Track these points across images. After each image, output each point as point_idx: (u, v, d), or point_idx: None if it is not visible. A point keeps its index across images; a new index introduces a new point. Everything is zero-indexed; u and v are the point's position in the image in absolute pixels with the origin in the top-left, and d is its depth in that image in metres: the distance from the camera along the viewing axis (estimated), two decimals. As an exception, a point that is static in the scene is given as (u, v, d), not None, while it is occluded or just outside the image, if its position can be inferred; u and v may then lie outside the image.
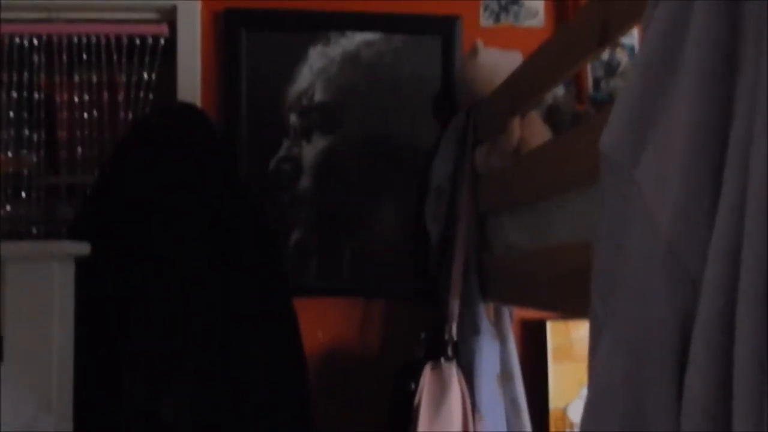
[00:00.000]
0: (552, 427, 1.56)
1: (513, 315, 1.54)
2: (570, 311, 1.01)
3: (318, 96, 1.63)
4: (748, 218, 0.42)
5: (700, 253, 0.45)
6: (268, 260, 1.38)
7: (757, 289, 0.41)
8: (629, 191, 0.51)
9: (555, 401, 1.56)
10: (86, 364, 1.07)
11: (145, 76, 1.63)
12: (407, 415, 1.35)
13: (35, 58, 1.61)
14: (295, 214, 1.59)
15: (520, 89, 1.24)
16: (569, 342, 1.58)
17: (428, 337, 1.41)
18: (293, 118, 1.61)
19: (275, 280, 1.38)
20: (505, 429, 1.40)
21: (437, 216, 1.48)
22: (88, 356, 1.07)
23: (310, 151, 1.61)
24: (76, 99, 1.65)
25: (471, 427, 1.31)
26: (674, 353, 0.46)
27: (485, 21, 1.68)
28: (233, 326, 1.24)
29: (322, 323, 1.58)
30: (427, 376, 1.35)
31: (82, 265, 1.03)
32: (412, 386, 1.35)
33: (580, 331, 1.58)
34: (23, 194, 1.62)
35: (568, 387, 1.56)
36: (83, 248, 0.99)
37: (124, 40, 1.62)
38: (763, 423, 0.39)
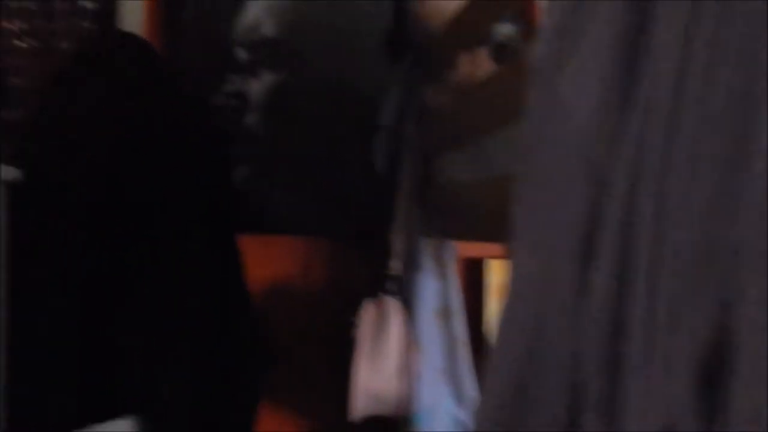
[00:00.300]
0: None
1: (456, 254, 1.57)
2: (508, 239, 1.03)
3: (266, 31, 1.60)
4: (651, 125, 0.44)
5: (612, 152, 0.47)
6: (216, 197, 1.38)
7: (655, 195, 0.43)
8: (552, 101, 0.53)
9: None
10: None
11: (86, 4, 1.58)
12: (349, 348, 1.39)
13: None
14: (241, 149, 1.58)
15: (467, 26, 1.25)
16: (509, 280, 1.62)
17: (371, 273, 1.44)
18: (240, 52, 1.58)
19: (222, 217, 1.38)
20: (443, 362, 1.45)
21: (384, 153, 1.49)
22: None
23: (258, 87, 1.59)
24: (11, 27, 1.59)
25: (409, 359, 1.35)
26: (582, 256, 0.48)
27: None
28: (183, 255, 1.24)
29: (267, 261, 1.58)
30: (368, 310, 1.38)
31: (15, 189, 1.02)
32: (353, 320, 1.39)
33: (520, 270, 1.63)
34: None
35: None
36: (14, 174, 0.97)
37: (63, -34, 1.56)
38: (652, 313, 0.41)
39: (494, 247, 1.69)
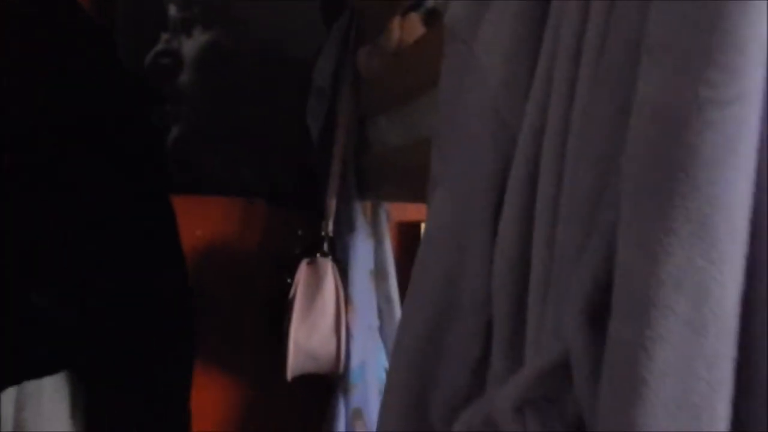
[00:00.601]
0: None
1: (390, 217, 1.60)
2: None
3: (199, -11, 1.57)
4: (555, 80, 0.47)
5: (519, 112, 0.50)
6: (148, 154, 1.36)
7: (555, 145, 0.46)
8: (467, 59, 0.55)
9: (426, 298, 1.66)
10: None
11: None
12: (284, 308, 1.41)
13: None
14: (174, 109, 1.56)
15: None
16: (441, 242, 1.66)
17: (305, 234, 1.46)
18: (172, 9, 1.55)
19: (155, 177, 1.37)
20: (376, 321, 1.48)
21: (317, 116, 1.50)
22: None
23: (191, 45, 1.57)
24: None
25: (343, 317, 1.38)
26: (494, 199, 0.51)
27: None
28: (111, 212, 1.23)
29: (201, 222, 1.58)
30: (302, 270, 1.40)
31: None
32: (288, 280, 1.40)
33: (452, 232, 1.67)
34: None
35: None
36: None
37: None
38: (551, 255, 0.44)
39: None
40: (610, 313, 0.37)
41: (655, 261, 0.34)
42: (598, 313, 0.39)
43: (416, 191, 1.21)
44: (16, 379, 1.18)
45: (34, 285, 1.18)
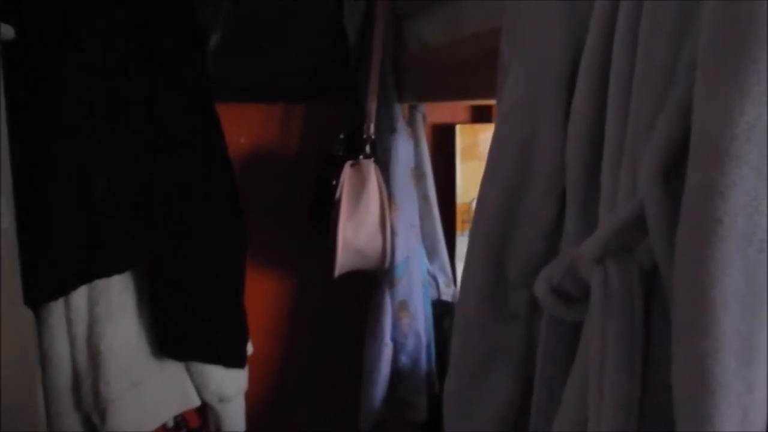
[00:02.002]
0: (458, 219, 1.72)
1: (426, 118, 1.64)
2: (480, 95, 1.11)
3: None
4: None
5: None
6: (193, 63, 1.39)
7: (628, 23, 0.50)
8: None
9: (462, 196, 1.72)
10: (17, 148, 1.10)
11: None
12: (328, 208, 1.47)
13: None
14: (214, 16, 1.58)
15: None
16: (476, 142, 1.71)
17: (347, 137, 1.51)
18: None
19: (200, 83, 1.40)
20: (417, 218, 1.55)
21: (355, 18, 1.51)
22: (18, 141, 1.10)
23: (225, -46, 1.57)
24: None
25: (387, 215, 1.44)
26: (566, 78, 0.55)
27: None
28: (164, 116, 1.28)
29: (245, 128, 1.63)
30: (346, 172, 1.45)
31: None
32: (333, 182, 1.46)
33: (486, 132, 1.71)
34: None
35: (474, 183, 1.68)
36: (8, 32, 0.99)
37: None
38: (623, 121, 0.49)
39: (463, 113, 1.77)
40: (687, 165, 0.42)
41: (730, 117, 0.39)
42: (670, 171, 0.45)
43: (457, 89, 1.25)
44: (89, 277, 1.26)
45: (98, 180, 1.24)
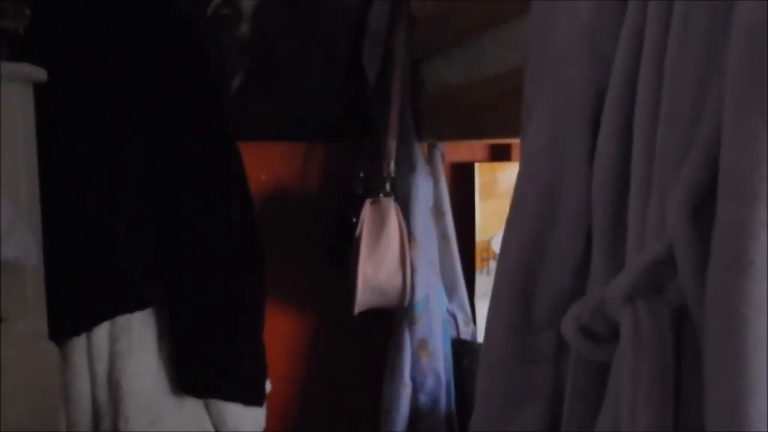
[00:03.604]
0: (477, 257, 1.72)
1: (444, 157, 1.66)
2: (498, 134, 1.12)
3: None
4: (650, 8, 0.51)
5: (612, 38, 0.55)
6: (213, 105, 1.42)
7: (652, 66, 0.51)
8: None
9: (481, 235, 1.72)
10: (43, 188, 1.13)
11: None
12: (348, 246, 1.48)
13: None
14: (235, 59, 1.61)
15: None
16: (495, 181, 1.72)
17: (367, 175, 1.52)
18: (231, -38, 1.60)
19: (222, 123, 1.43)
20: (436, 256, 1.55)
21: (374, 59, 1.54)
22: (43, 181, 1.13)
23: (249, -4, 1.61)
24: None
25: (407, 253, 1.45)
26: (590, 119, 0.56)
27: None
28: (184, 158, 1.30)
29: (265, 166, 1.65)
30: (367, 210, 1.46)
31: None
32: (354, 219, 1.47)
33: (504, 171, 1.72)
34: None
35: (493, 221, 1.71)
36: (41, 74, 1.02)
37: None
38: (650, 166, 0.50)
39: (481, 152, 1.78)
40: (715, 205, 0.42)
41: (759, 158, 0.39)
42: (699, 211, 0.45)
43: (476, 127, 1.26)
44: (110, 313, 1.27)
45: (118, 220, 1.26)
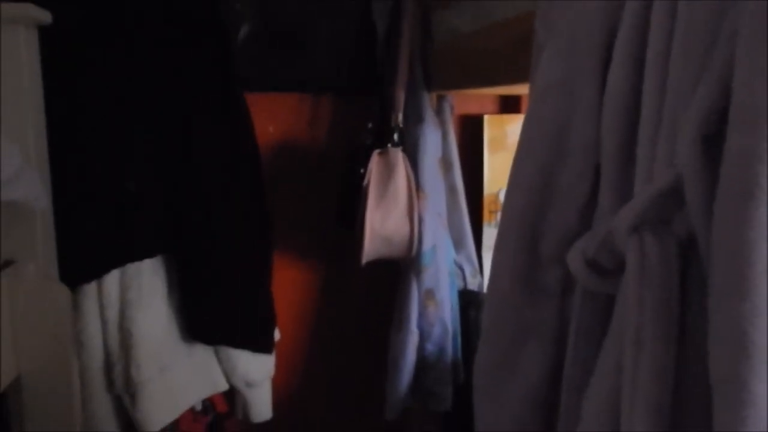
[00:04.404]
0: (485, 209, 1.72)
1: (453, 109, 1.64)
2: (508, 81, 1.11)
3: None
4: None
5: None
6: (220, 55, 1.41)
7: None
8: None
9: (489, 187, 1.72)
10: (55, 137, 1.13)
11: None
12: (356, 196, 1.48)
13: None
14: (243, 8, 1.59)
15: None
16: (504, 134, 1.71)
17: (375, 126, 1.51)
18: None
19: (229, 73, 1.42)
20: (444, 208, 1.55)
21: (384, 10, 1.52)
22: (55, 129, 1.13)
23: (255, -55, 1.58)
24: None
25: (415, 204, 1.44)
26: (602, 53, 0.55)
27: None
28: (193, 112, 1.30)
29: (273, 118, 1.64)
30: (375, 160, 1.46)
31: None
32: (361, 170, 1.47)
33: (514, 124, 1.71)
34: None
35: (502, 174, 1.70)
36: (45, 16, 1.01)
37: None
38: (662, 92, 0.49)
39: (491, 105, 1.76)
40: (727, 132, 0.42)
41: (772, 81, 0.39)
42: (710, 139, 0.45)
43: (485, 76, 1.25)
44: (120, 261, 1.28)
45: (128, 174, 1.27)
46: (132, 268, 1.29)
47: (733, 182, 0.41)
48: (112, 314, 1.28)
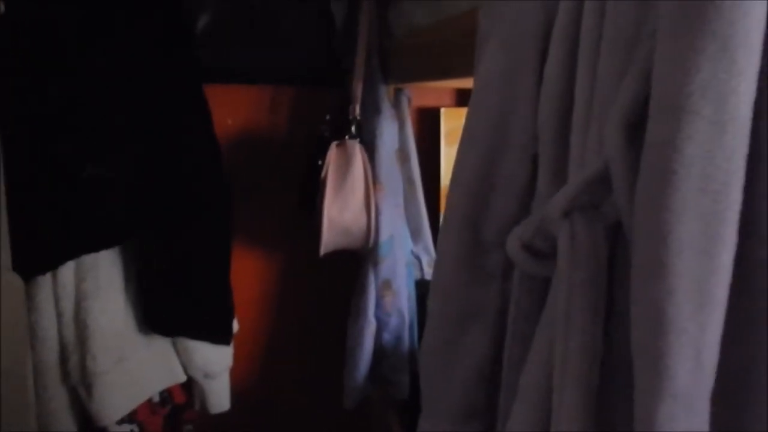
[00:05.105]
0: (442, 201, 1.75)
1: (411, 101, 1.67)
2: (463, 74, 1.13)
3: None
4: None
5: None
6: (179, 45, 1.40)
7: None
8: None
9: (446, 179, 1.75)
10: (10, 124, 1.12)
11: None
12: (315, 188, 1.49)
13: None
14: (199, 2, 1.59)
15: None
16: (460, 126, 1.73)
17: (333, 118, 1.53)
18: None
19: (186, 65, 1.41)
20: (401, 199, 1.58)
21: (341, 3, 1.53)
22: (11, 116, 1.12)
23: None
24: None
25: (372, 194, 1.46)
26: (540, 47, 0.58)
27: None
28: (151, 102, 1.30)
29: (232, 110, 1.64)
30: (333, 152, 1.47)
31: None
32: (319, 162, 1.48)
33: (470, 116, 1.74)
34: None
35: (458, 166, 1.73)
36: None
37: None
38: (592, 82, 0.52)
39: (448, 98, 1.79)
40: (647, 122, 0.44)
41: (686, 74, 0.42)
42: (634, 128, 0.47)
43: (440, 69, 1.27)
44: (76, 252, 1.28)
45: (84, 163, 1.26)
46: (88, 259, 1.29)
47: (650, 168, 0.43)
48: (68, 306, 1.28)
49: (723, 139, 0.42)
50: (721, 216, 0.42)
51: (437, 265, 0.66)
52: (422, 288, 1.61)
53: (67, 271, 1.27)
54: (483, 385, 0.62)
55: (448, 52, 1.19)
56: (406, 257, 1.57)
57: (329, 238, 1.46)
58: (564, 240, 0.49)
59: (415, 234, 1.65)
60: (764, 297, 0.44)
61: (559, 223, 0.50)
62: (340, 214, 1.45)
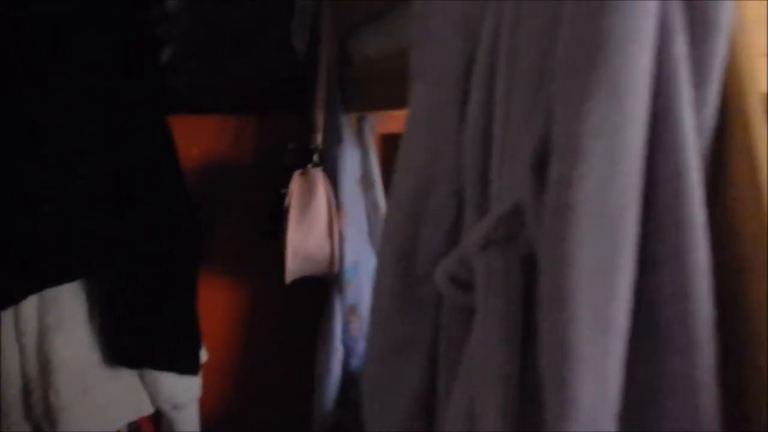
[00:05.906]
0: (408, 226, 1.77)
1: (375, 130, 1.69)
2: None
3: None
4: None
5: (479, 19, 0.59)
6: (145, 77, 1.42)
7: (509, 40, 0.55)
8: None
9: (412, 204, 1.76)
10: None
11: None
12: (279, 216, 1.50)
13: None
14: (165, 30, 1.61)
15: None
16: (424, 152, 1.76)
17: (296, 147, 1.55)
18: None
19: (151, 97, 1.43)
20: (366, 225, 1.59)
21: (302, 33, 1.56)
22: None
23: (175, -31, 1.60)
24: None
25: (335, 222, 1.48)
26: (461, 90, 0.61)
27: None
28: (112, 134, 1.31)
29: (197, 140, 1.66)
30: (296, 181, 1.49)
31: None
32: (282, 191, 1.50)
33: (434, 142, 1.76)
34: None
35: (423, 191, 1.75)
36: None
37: None
38: (507, 125, 0.54)
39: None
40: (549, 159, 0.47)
41: (580, 116, 0.44)
42: (542, 167, 0.50)
43: (398, 98, 1.29)
44: (38, 287, 1.28)
45: (45, 196, 1.27)
46: (50, 293, 1.29)
47: (552, 203, 0.46)
48: (30, 340, 1.28)
49: (615, 176, 0.44)
50: (617, 246, 0.44)
51: (375, 296, 0.68)
52: (389, 312, 1.63)
53: (29, 305, 1.27)
54: (422, 415, 0.64)
55: (404, 82, 1.21)
56: (370, 283, 1.58)
57: (294, 266, 1.48)
58: (481, 272, 0.51)
59: (382, 259, 1.67)
60: (665, 320, 0.46)
61: (478, 256, 0.53)
62: (304, 242, 1.46)
